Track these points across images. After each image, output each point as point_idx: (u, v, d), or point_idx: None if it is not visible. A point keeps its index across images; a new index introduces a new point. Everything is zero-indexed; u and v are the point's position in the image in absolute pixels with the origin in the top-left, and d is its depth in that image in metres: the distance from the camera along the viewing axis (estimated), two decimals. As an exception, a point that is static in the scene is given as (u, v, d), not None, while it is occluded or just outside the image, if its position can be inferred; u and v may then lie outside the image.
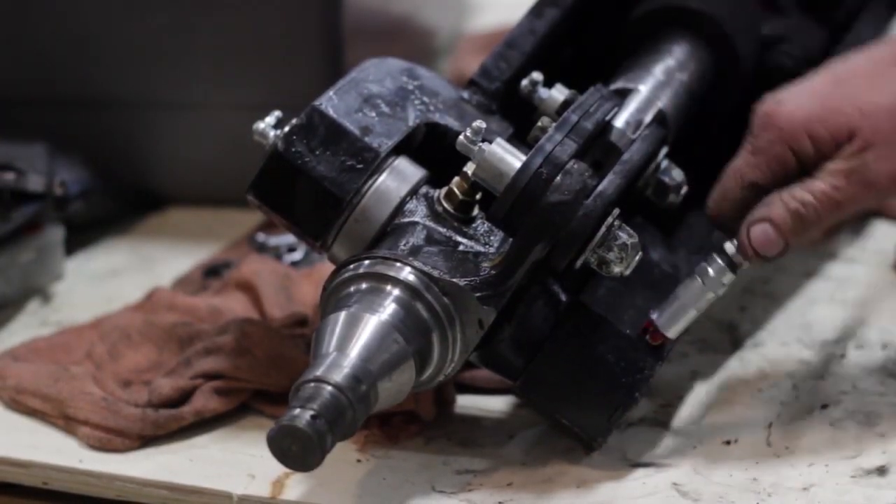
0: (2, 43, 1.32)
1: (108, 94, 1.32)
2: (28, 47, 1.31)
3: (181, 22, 1.28)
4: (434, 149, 0.92)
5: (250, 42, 1.28)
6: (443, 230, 0.88)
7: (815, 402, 0.96)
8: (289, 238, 1.20)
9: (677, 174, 0.96)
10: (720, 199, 0.90)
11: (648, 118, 0.96)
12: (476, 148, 0.87)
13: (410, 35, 1.52)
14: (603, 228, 0.85)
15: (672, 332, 0.90)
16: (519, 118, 0.96)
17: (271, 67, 1.28)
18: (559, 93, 0.94)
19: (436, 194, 0.90)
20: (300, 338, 1.00)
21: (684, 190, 0.96)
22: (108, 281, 1.21)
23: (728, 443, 0.92)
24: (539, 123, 0.91)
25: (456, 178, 0.89)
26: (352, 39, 1.27)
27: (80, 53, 1.31)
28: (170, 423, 0.95)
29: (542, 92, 0.95)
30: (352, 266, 0.85)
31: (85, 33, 1.30)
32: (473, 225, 0.89)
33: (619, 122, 0.93)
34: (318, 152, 0.89)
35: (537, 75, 0.95)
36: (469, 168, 0.88)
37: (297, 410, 0.77)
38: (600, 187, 0.86)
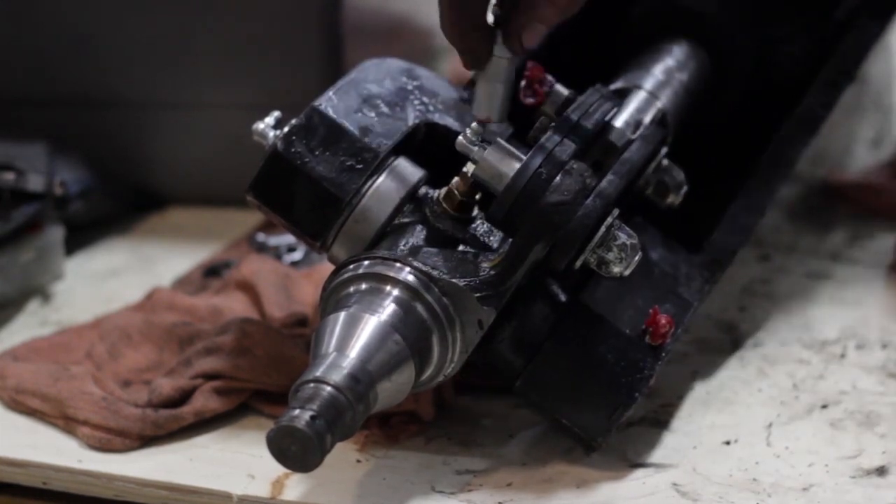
0: (2, 43, 1.32)
1: (108, 94, 1.32)
2: (28, 47, 1.31)
3: (181, 22, 1.28)
4: (434, 149, 0.92)
5: (250, 42, 1.28)
6: (442, 230, 0.88)
7: (815, 402, 0.96)
8: (289, 238, 1.20)
9: (677, 174, 0.96)
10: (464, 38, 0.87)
11: (648, 118, 0.96)
12: (475, 148, 0.87)
13: (410, 35, 1.52)
14: (602, 228, 0.85)
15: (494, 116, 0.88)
16: (519, 118, 0.96)
17: (271, 67, 1.28)
18: (559, 93, 0.94)
19: (435, 194, 0.90)
20: (300, 338, 1.00)
21: (684, 190, 0.96)
22: (108, 281, 1.21)
23: (728, 443, 0.92)
24: (538, 123, 0.91)
25: (455, 179, 0.89)
26: (352, 39, 1.28)
27: (80, 53, 1.31)
28: (170, 423, 0.95)
29: (542, 92, 0.95)
30: (351, 266, 0.85)
31: (85, 33, 1.30)
32: (473, 225, 0.89)
33: (619, 122, 0.93)
34: (317, 153, 0.89)
35: (537, 75, 0.95)
36: (468, 168, 0.88)
37: (297, 411, 0.77)
38: (600, 187, 0.86)
